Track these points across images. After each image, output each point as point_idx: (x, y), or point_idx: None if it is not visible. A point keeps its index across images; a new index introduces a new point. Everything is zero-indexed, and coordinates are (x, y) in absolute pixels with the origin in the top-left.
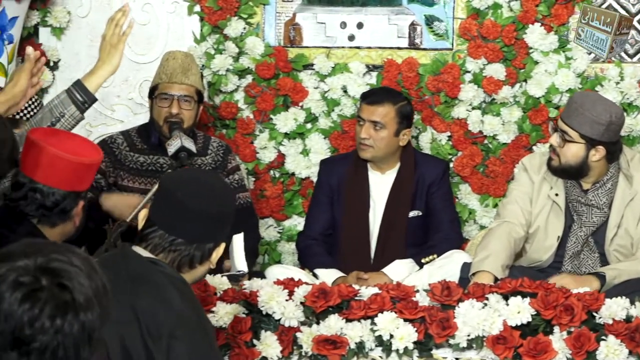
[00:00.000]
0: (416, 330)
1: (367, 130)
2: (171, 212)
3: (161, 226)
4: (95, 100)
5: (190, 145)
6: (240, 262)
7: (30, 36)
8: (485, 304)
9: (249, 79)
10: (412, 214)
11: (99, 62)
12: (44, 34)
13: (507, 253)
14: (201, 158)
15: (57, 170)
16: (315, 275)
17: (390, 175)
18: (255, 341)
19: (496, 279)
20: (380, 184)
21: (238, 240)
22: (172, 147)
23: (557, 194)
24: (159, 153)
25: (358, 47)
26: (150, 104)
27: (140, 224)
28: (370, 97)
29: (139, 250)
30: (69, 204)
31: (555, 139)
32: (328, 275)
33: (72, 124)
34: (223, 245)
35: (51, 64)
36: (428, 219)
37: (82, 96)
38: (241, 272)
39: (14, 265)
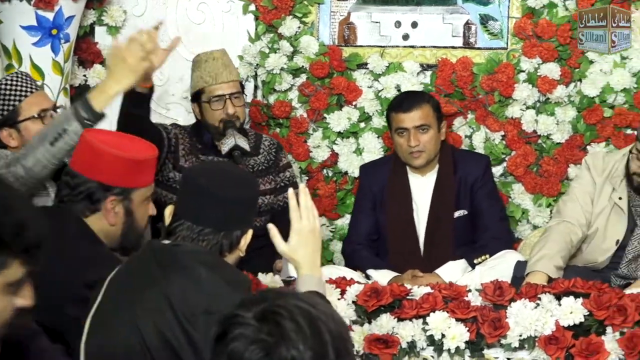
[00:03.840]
0: (468, 330)
1: (416, 136)
2: (196, 202)
3: (187, 218)
4: (102, 117)
5: (243, 143)
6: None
7: (86, 35)
8: (538, 304)
9: (303, 77)
10: (457, 213)
11: (109, 78)
12: (100, 33)
13: (563, 254)
14: (253, 158)
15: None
16: (367, 277)
17: (431, 177)
18: None
19: (550, 280)
20: (422, 187)
21: None
22: (226, 145)
23: (620, 198)
24: (212, 154)
25: (412, 46)
26: (198, 108)
27: (167, 219)
28: (404, 104)
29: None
30: (95, 193)
31: None
32: (382, 276)
33: (75, 140)
34: (251, 232)
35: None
36: (475, 218)
37: (87, 114)
38: (293, 278)
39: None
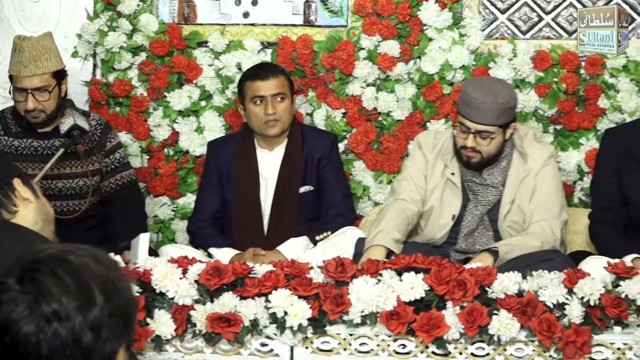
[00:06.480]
0: (310, 307)
1: (273, 104)
2: None
3: None
4: None
5: (83, 123)
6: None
7: None
8: (379, 280)
9: (142, 56)
10: (303, 189)
11: None
12: None
13: (400, 228)
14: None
15: None
16: (210, 255)
17: (279, 151)
18: (148, 320)
19: (389, 253)
20: (270, 161)
21: (144, 238)
22: (65, 125)
23: (453, 173)
24: (31, 137)
25: (253, 24)
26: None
27: None
28: (260, 73)
29: None
30: None
31: (474, 141)
32: (223, 254)
33: None
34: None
35: None
36: (320, 194)
37: None
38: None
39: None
